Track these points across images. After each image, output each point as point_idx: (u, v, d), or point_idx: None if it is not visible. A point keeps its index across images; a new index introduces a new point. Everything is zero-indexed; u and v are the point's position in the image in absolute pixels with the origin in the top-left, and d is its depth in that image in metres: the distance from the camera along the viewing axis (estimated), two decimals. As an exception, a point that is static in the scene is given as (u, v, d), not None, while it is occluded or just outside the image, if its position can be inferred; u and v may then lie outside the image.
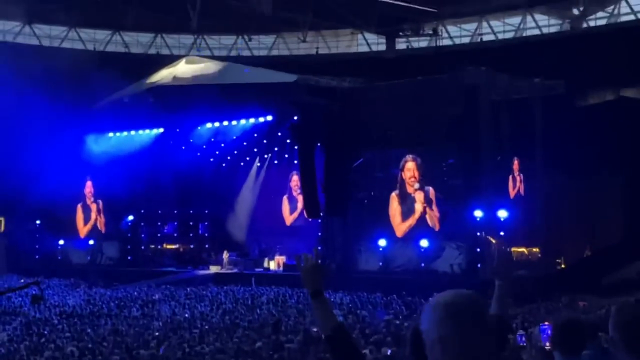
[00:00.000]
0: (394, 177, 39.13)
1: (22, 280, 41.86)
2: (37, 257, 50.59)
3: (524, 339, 5.48)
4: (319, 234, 41.84)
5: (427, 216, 37.82)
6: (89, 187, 50.96)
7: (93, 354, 18.14)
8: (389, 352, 15.71)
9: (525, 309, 26.69)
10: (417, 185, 38.14)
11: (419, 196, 38.07)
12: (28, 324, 24.72)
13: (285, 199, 48.06)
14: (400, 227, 38.74)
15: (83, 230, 51.22)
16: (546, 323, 5.16)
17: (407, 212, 38.62)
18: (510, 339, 15.13)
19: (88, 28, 54.50)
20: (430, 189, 37.96)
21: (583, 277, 32.38)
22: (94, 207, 50.77)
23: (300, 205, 45.53)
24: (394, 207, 39.04)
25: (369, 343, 18.45)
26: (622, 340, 3.51)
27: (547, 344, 5.26)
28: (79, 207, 51.37)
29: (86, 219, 51.28)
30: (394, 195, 39.00)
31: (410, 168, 38.47)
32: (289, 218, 47.79)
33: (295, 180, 46.46)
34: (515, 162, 40.13)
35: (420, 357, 4.14)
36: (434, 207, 37.83)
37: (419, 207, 38.09)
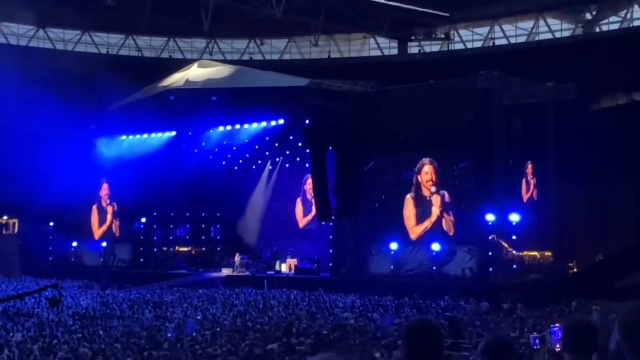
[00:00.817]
0: (406, 180, 39.14)
1: (37, 282, 42.16)
2: (50, 258, 50.90)
3: (537, 341, 5.52)
4: (330, 237, 41.90)
5: (443, 220, 37.82)
6: (105, 189, 51.19)
7: (105, 355, 18.25)
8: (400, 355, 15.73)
9: (537, 313, 26.71)
10: (433, 189, 38.17)
11: (436, 200, 38.08)
12: (41, 325, 24.87)
13: (299, 201, 48.13)
14: (415, 229, 38.73)
15: (98, 232, 51.46)
16: (557, 325, 5.20)
17: (422, 215, 38.61)
18: (524, 338, 15.14)
19: (101, 32, 54.79)
20: (446, 193, 37.99)
21: (595, 281, 32.31)
22: (109, 209, 51.02)
23: (314, 208, 45.63)
24: (409, 209, 39.00)
25: (380, 346, 18.52)
26: (628, 344, 3.54)
27: (558, 345, 5.31)
28: (94, 208, 51.61)
29: (101, 221, 51.54)
30: (409, 198, 38.98)
31: (427, 171, 38.47)
32: (302, 221, 47.85)
33: (309, 183, 46.53)
34: (529, 166, 40.08)
35: (415, 355, 4.20)
36: (450, 211, 37.86)
37: (435, 210, 38.08)
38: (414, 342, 4.17)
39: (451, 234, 37.55)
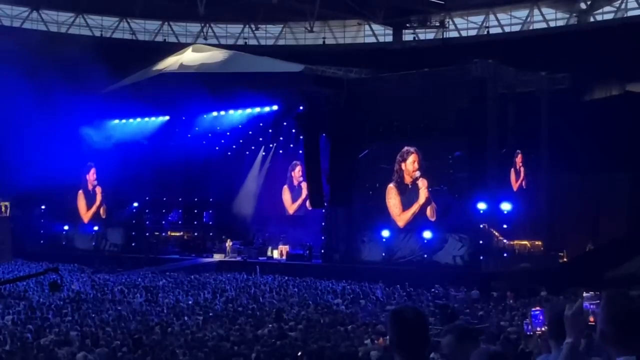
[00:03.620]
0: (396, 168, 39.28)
1: (29, 266, 42.12)
2: (41, 242, 50.86)
3: (529, 327, 5.56)
4: (323, 224, 41.94)
5: (429, 207, 37.96)
6: (92, 173, 51.13)
7: (96, 338, 18.29)
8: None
9: (527, 302, 26.82)
10: (418, 174, 38.30)
11: (423, 182, 38.19)
12: (32, 308, 24.90)
13: (285, 188, 48.08)
14: (402, 217, 38.86)
15: (86, 215, 51.46)
16: (537, 309, 5.22)
17: (408, 202, 38.73)
18: (513, 326, 15.18)
19: (95, 15, 54.55)
20: (425, 181, 38.21)
21: (586, 270, 32.42)
22: (98, 192, 50.98)
23: (303, 194, 45.67)
24: (393, 198, 39.15)
25: (372, 333, 18.61)
26: (613, 333, 3.50)
27: (538, 328, 5.33)
28: (80, 193, 51.60)
29: (89, 205, 51.51)
30: (391, 187, 39.12)
31: (413, 160, 38.59)
32: (291, 207, 47.87)
33: (298, 170, 46.54)
34: (519, 155, 40.13)
35: (404, 338, 4.26)
36: (432, 198, 38.05)
37: (423, 192, 38.17)
38: (401, 325, 4.24)
39: (433, 219, 37.68)
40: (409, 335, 4.23)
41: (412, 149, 38.63)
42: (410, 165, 38.74)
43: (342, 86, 40.00)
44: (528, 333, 5.89)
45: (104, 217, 50.67)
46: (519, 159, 40.22)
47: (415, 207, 38.54)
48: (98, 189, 51.06)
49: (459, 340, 5.26)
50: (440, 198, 37.97)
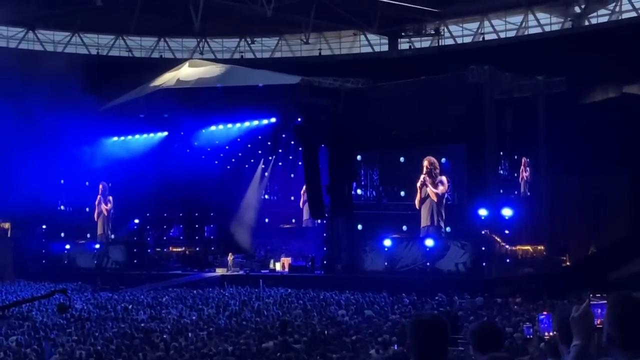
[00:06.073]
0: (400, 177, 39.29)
1: (31, 286, 42.04)
2: (43, 261, 50.74)
3: (530, 330, 5.54)
4: (324, 234, 41.91)
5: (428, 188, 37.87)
6: (101, 190, 50.87)
7: (100, 357, 18.24)
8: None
9: (531, 307, 26.79)
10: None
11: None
12: (36, 328, 24.84)
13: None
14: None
15: (99, 232, 51.03)
16: (544, 313, 5.20)
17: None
18: (519, 332, 15.16)
19: (91, 33, 54.63)
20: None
21: (589, 273, 32.41)
22: (104, 210, 50.78)
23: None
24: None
25: (376, 343, 18.57)
26: (618, 335, 3.49)
27: (546, 333, 5.31)
28: (96, 210, 51.18)
29: (96, 223, 51.24)
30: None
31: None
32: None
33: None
34: (522, 160, 40.23)
35: (421, 347, 4.27)
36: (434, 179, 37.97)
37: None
38: (421, 335, 4.27)
39: (435, 200, 37.52)
40: (427, 341, 4.26)
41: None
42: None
43: (340, 96, 40.08)
44: (528, 336, 5.89)
45: (111, 236, 50.46)
46: (522, 163, 40.30)
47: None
48: (104, 208, 50.81)
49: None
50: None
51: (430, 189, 38.01)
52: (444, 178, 38.05)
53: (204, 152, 47.94)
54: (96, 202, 50.68)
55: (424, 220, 38.24)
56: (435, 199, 37.98)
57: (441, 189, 37.99)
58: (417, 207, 38.33)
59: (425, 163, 38.32)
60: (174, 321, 26.45)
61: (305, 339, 20.00)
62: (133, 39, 55.09)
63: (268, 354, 17.58)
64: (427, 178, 38.10)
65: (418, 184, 38.24)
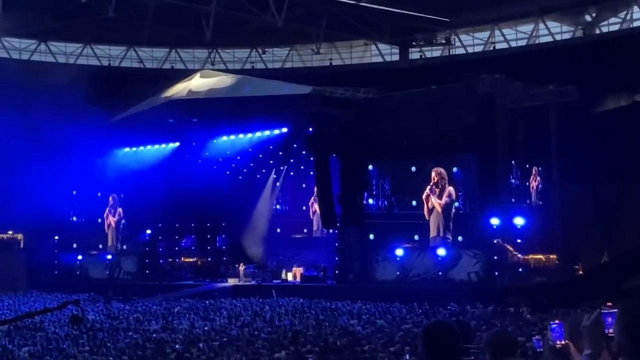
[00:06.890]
0: (412, 186, 39.26)
1: (43, 297, 42.13)
2: (55, 272, 50.89)
3: (541, 343, 5.49)
4: (336, 244, 41.88)
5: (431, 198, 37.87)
6: (111, 201, 51.10)
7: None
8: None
9: (544, 316, 26.67)
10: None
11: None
12: (48, 339, 24.88)
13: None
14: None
15: (109, 244, 51.23)
16: (556, 321, 5.18)
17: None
18: (529, 345, 15.11)
19: (103, 44, 54.93)
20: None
21: (602, 282, 32.25)
22: (113, 221, 50.99)
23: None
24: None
25: (389, 353, 18.52)
26: (628, 344, 3.47)
27: (558, 342, 5.28)
28: (105, 222, 51.37)
29: (110, 234, 51.44)
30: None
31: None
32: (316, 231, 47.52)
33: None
34: (533, 169, 40.15)
35: (433, 356, 4.28)
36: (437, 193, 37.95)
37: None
38: (433, 344, 4.28)
39: (440, 211, 37.51)
40: (439, 350, 4.26)
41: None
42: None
43: (351, 106, 40.10)
44: (538, 349, 5.84)
45: (123, 246, 50.62)
46: (533, 173, 40.23)
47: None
48: (113, 220, 50.98)
49: None
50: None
51: (435, 201, 38.01)
52: (451, 189, 37.98)
53: (216, 163, 48.06)
54: (104, 215, 50.90)
55: (433, 231, 38.27)
56: (440, 210, 37.97)
57: (446, 200, 37.94)
58: (426, 217, 38.35)
59: (433, 174, 38.32)
60: (186, 331, 26.46)
61: (318, 349, 19.97)
62: (144, 50, 55.34)
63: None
64: (434, 189, 38.08)
65: (423, 196, 38.26)
